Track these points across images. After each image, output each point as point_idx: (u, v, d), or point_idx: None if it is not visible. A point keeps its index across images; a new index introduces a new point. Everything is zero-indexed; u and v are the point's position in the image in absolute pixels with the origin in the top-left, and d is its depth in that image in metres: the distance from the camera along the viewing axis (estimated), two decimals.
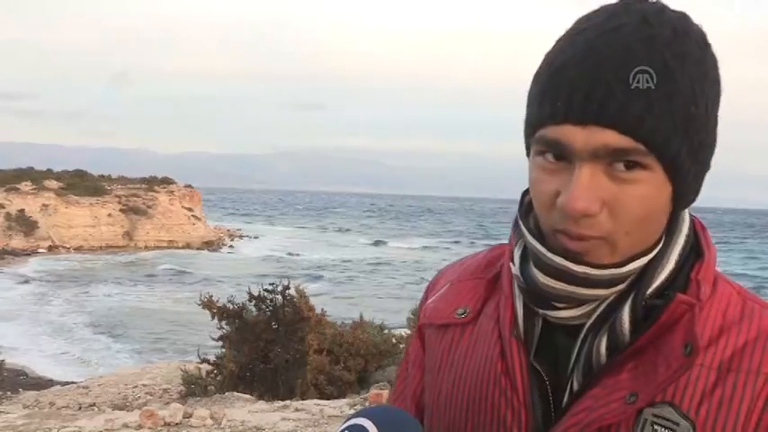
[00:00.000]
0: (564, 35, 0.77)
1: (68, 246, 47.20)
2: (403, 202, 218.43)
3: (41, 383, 15.35)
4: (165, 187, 55.09)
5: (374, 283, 38.45)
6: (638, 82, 0.69)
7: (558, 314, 0.80)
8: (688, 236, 0.80)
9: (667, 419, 0.74)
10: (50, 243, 46.71)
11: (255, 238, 64.25)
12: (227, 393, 8.68)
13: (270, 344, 9.33)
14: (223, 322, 9.59)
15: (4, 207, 46.00)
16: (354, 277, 41.16)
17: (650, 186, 0.72)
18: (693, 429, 0.73)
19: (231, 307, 9.57)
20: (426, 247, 59.90)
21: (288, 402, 7.41)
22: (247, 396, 8.47)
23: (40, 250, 45.46)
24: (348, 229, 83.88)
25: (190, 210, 54.87)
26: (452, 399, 0.90)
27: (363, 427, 0.84)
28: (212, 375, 9.53)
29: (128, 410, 7.95)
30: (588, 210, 0.71)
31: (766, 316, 0.78)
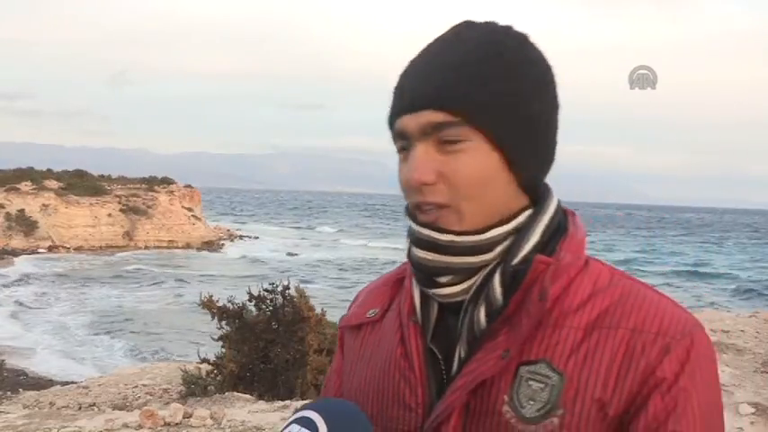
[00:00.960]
0: None
1: (68, 246, 47.18)
2: (402, 203, 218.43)
3: (41, 383, 15.35)
4: (165, 187, 55.06)
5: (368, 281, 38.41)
6: (447, 69, 0.85)
7: (442, 291, 0.90)
8: (553, 217, 0.91)
9: (540, 374, 0.84)
10: (50, 243, 46.69)
11: (255, 238, 64.24)
12: (227, 393, 8.68)
13: (270, 344, 9.34)
14: (223, 322, 9.59)
15: (4, 207, 45.98)
16: (351, 277, 41.17)
17: (475, 154, 0.84)
18: (562, 380, 0.83)
19: (231, 307, 9.58)
20: None
21: (288, 402, 7.42)
22: (247, 396, 8.47)
23: (41, 250, 45.43)
24: (344, 230, 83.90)
25: (190, 210, 54.84)
26: (363, 389, 0.99)
27: (311, 419, 0.87)
28: (212, 375, 9.54)
29: (128, 410, 7.95)
30: (422, 178, 0.85)
31: (629, 284, 0.88)
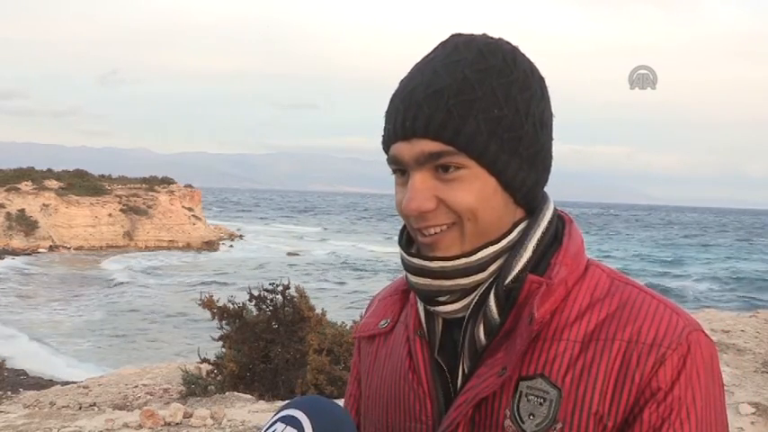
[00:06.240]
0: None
1: (69, 246, 47.17)
2: None
3: (41, 383, 15.35)
4: (165, 187, 55.09)
5: (369, 282, 38.46)
6: (439, 97, 0.85)
7: (442, 309, 0.92)
8: (547, 229, 0.92)
9: (539, 389, 0.86)
10: (51, 243, 46.68)
11: (255, 237, 64.32)
12: (227, 393, 8.68)
13: (270, 344, 9.34)
14: (223, 322, 9.59)
15: (4, 207, 45.99)
16: (350, 277, 41.20)
17: (472, 181, 0.86)
18: (560, 395, 0.85)
19: (231, 307, 9.58)
20: None
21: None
22: (247, 396, 8.47)
23: (41, 250, 45.43)
24: (343, 230, 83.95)
25: (190, 210, 54.85)
26: (376, 399, 1.03)
27: (296, 417, 0.86)
28: (212, 375, 9.54)
29: (128, 410, 7.95)
30: (421, 207, 0.86)
31: (628, 291, 0.90)
